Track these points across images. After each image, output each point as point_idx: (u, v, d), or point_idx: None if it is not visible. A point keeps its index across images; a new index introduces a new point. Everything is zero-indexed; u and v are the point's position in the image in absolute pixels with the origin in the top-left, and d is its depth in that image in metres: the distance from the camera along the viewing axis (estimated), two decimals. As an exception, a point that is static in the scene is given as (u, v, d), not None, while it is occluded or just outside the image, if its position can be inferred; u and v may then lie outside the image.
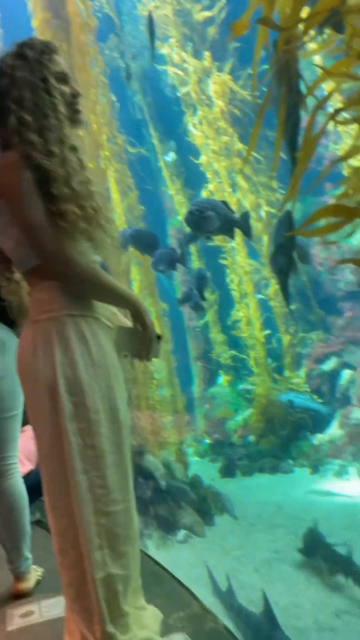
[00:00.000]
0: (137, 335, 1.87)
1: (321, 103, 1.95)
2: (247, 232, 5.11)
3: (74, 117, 1.88)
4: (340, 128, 8.08)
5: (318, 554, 4.84)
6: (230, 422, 9.45)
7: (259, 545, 5.54)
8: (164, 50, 10.10)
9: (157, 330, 1.95)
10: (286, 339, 9.22)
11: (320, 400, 8.58)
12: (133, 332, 1.87)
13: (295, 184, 2.46)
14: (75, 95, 1.88)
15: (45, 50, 1.85)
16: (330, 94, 1.93)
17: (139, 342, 1.88)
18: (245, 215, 5.12)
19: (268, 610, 3.75)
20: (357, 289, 8.82)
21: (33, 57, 1.81)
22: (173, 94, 10.48)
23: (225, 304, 9.87)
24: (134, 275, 7.99)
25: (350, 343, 8.81)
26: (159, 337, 1.92)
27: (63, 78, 1.86)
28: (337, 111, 1.70)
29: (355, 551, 5.09)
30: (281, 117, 2.40)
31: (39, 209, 1.69)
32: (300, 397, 8.49)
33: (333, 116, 1.77)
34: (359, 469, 7.41)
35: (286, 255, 4.00)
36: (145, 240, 6.08)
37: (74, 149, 1.80)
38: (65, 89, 1.86)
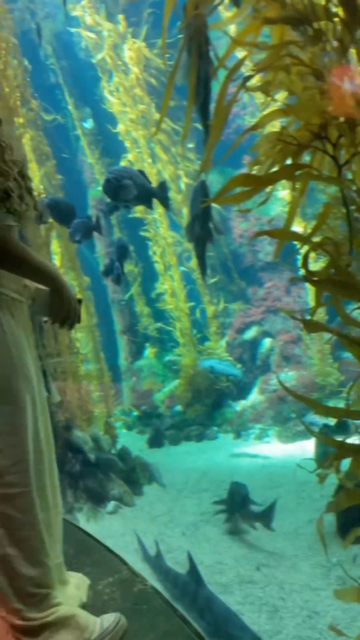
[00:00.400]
0: (57, 300, 1.82)
1: (231, 72, 1.95)
2: (164, 202, 5.07)
3: None
4: (257, 100, 8.18)
5: (238, 513, 5.08)
6: (157, 393, 9.57)
7: (186, 510, 5.72)
8: (76, 12, 9.64)
9: (77, 294, 1.92)
10: (210, 309, 9.38)
11: (240, 367, 8.86)
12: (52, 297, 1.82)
13: (208, 154, 2.45)
14: None
15: None
16: (239, 63, 1.92)
17: (59, 306, 1.83)
18: (163, 186, 5.06)
19: (194, 570, 3.91)
20: (275, 260, 9.12)
21: None
22: (87, 58, 10.08)
23: (149, 276, 9.86)
24: (55, 248, 7.75)
25: (269, 312, 9.15)
26: (79, 301, 1.89)
27: None
28: (246, 79, 1.71)
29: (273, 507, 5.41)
30: (191, 86, 2.38)
31: None
32: (222, 363, 8.70)
33: (242, 85, 1.77)
34: (277, 432, 7.81)
35: (202, 226, 4.04)
36: (63, 211, 5.87)
37: None
38: None
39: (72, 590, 2.19)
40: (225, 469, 6.71)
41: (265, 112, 1.68)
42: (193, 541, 4.96)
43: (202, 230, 4.06)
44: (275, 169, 1.65)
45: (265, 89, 1.59)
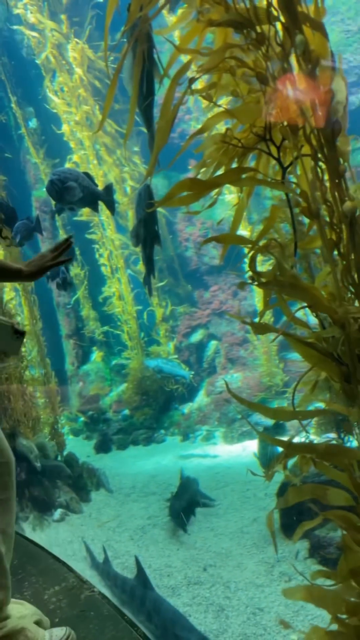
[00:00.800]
0: (2, 327, 1.78)
1: (176, 76, 1.95)
2: (110, 205, 4.99)
3: None
4: (202, 105, 8.27)
5: (182, 514, 5.09)
6: (105, 398, 9.45)
7: (134, 514, 5.67)
8: (18, 10, 9.42)
9: (20, 326, 1.88)
10: (158, 312, 9.37)
11: (187, 369, 8.91)
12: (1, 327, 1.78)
13: (154, 159, 2.46)
14: None
15: None
16: (185, 67, 1.93)
17: (1, 338, 1.80)
18: (109, 189, 4.99)
19: (141, 574, 3.88)
20: (220, 264, 9.26)
21: None
22: (30, 57, 9.86)
23: (96, 280, 9.74)
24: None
25: (215, 315, 9.26)
26: (22, 333, 1.85)
27: None
28: (191, 81, 1.72)
29: (218, 506, 5.47)
30: (135, 89, 2.37)
31: None
32: (169, 363, 8.70)
33: (188, 87, 1.78)
34: (223, 433, 7.91)
35: (148, 229, 4.02)
36: (5, 213, 5.71)
37: None
38: None
39: (28, 608, 2.12)
40: (172, 471, 6.70)
41: (210, 115, 1.69)
42: (141, 545, 4.92)
43: (148, 233, 4.04)
44: (220, 171, 1.66)
45: (210, 91, 1.60)
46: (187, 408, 8.61)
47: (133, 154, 9.45)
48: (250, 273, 1.73)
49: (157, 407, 8.81)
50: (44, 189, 10.10)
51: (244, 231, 7.23)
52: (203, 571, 4.30)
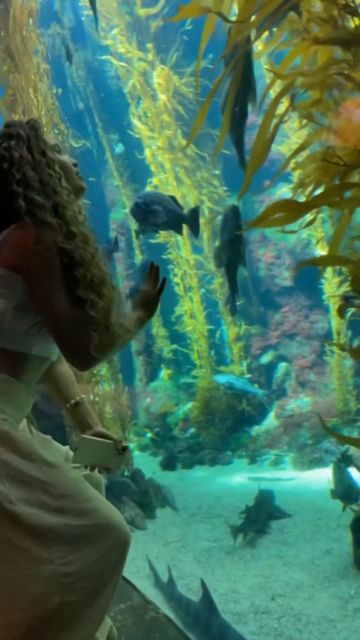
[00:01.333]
0: (102, 447, 1.87)
1: (278, 97, 1.97)
2: (195, 228, 4.96)
3: (77, 186, 1.82)
4: (285, 126, 8.28)
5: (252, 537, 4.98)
6: (171, 415, 9.49)
7: (199, 535, 5.60)
8: (107, 41, 9.93)
9: (123, 441, 1.98)
10: (232, 332, 9.31)
11: (257, 386, 8.72)
12: (97, 446, 1.87)
13: (248, 179, 2.48)
14: (74, 164, 1.83)
15: (35, 125, 1.77)
16: (286, 89, 1.94)
17: (104, 454, 1.89)
18: (195, 212, 4.99)
19: (207, 597, 3.80)
20: (292, 284, 9.11)
21: (26, 134, 1.72)
22: (117, 85, 10.32)
23: (168, 299, 9.88)
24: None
25: (285, 337, 9.08)
26: (124, 449, 1.93)
27: (57, 149, 1.79)
28: (293, 98, 1.73)
29: (287, 534, 5.28)
30: (227, 113, 2.41)
31: (63, 297, 1.59)
32: (240, 380, 8.55)
33: (290, 103, 1.79)
34: (293, 459, 7.66)
35: (233, 250, 4.03)
36: None
37: (84, 224, 1.71)
38: (62, 159, 1.79)
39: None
40: (239, 494, 6.57)
41: (306, 134, 1.68)
42: (207, 568, 4.84)
43: (233, 254, 4.03)
44: (319, 190, 1.65)
45: (311, 108, 1.60)
46: (255, 430, 8.46)
47: (212, 177, 9.57)
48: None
49: (224, 428, 8.71)
50: (123, 211, 10.51)
51: (321, 251, 7.09)
52: (271, 600, 4.15)
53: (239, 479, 7.35)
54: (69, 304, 1.58)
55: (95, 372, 6.67)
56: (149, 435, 9.37)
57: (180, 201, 9.09)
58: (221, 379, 8.55)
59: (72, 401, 1.97)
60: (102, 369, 7.41)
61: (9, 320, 1.61)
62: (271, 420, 8.46)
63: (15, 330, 1.62)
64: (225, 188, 9.44)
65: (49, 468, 1.62)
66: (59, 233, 1.59)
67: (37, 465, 1.60)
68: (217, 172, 9.60)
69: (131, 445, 7.95)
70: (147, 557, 4.94)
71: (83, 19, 10.63)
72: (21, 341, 1.64)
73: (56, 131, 7.70)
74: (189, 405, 9.37)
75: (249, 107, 2.59)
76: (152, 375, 10.25)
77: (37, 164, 1.67)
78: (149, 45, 9.60)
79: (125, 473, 6.71)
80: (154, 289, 1.91)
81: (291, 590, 4.26)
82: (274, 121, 1.97)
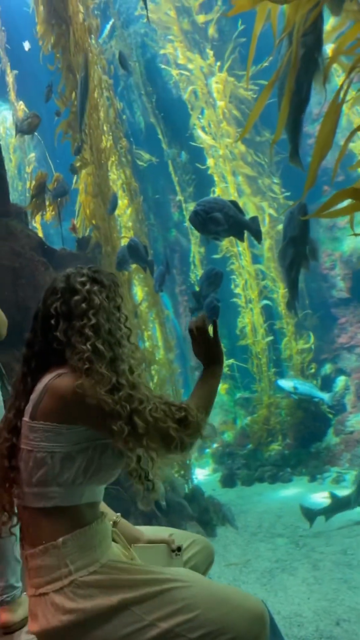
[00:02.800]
0: (155, 554, 1.97)
1: (345, 89, 1.98)
2: (257, 234, 4.91)
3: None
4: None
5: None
6: (229, 431, 9.53)
7: (261, 555, 5.63)
8: (166, 50, 10.08)
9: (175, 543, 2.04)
10: (293, 345, 9.24)
11: (324, 391, 8.48)
12: (151, 553, 1.97)
13: (314, 170, 2.50)
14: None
15: (116, 280, 1.86)
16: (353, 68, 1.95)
17: (160, 559, 1.97)
18: (255, 220, 4.98)
19: (270, 620, 3.83)
20: (348, 296, 8.96)
21: (109, 284, 1.81)
22: (178, 95, 10.39)
23: (224, 311, 9.89)
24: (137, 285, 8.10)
25: (343, 349, 8.94)
26: (179, 549, 2.00)
27: (121, 308, 1.85)
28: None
29: (351, 557, 5.21)
30: (287, 94, 2.44)
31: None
32: (305, 384, 8.33)
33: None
34: (355, 476, 7.50)
35: (297, 250, 3.93)
36: (141, 255, 6.20)
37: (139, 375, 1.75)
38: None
39: None
40: (300, 513, 6.52)
41: None
42: (269, 589, 4.86)
43: (297, 254, 3.91)
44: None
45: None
46: (314, 447, 8.35)
47: (273, 184, 9.57)
48: None
49: (283, 444, 8.67)
50: (173, 230, 10.70)
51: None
52: (336, 625, 4.13)
53: (299, 498, 7.28)
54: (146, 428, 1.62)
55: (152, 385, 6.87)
56: (208, 451, 9.46)
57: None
58: (285, 383, 8.41)
59: (111, 522, 1.96)
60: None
61: (57, 474, 1.64)
62: (331, 437, 8.33)
63: (64, 483, 1.65)
64: (286, 193, 9.41)
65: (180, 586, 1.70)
66: (106, 384, 1.63)
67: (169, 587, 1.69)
68: (276, 180, 9.60)
69: (192, 462, 8.03)
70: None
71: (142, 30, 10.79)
72: (71, 494, 1.66)
73: (120, 147, 7.97)
74: (247, 420, 9.38)
75: (313, 90, 2.61)
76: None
77: (111, 314, 1.76)
78: (209, 51, 9.65)
79: (186, 489, 6.83)
80: (214, 342, 1.93)
81: (356, 616, 4.21)
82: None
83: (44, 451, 1.65)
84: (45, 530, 1.67)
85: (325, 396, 8.21)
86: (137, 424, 1.61)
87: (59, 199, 7.51)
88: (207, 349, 1.95)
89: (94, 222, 7.30)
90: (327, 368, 9.05)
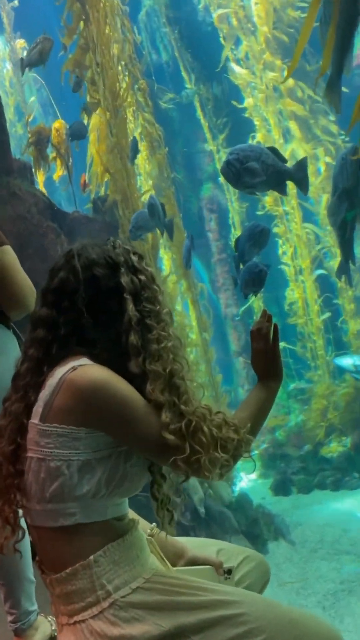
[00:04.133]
0: (200, 576, 1.98)
1: None
2: (303, 184, 4.80)
3: None
4: None
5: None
6: (282, 429, 9.52)
7: (322, 575, 5.65)
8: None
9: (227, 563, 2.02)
10: (352, 323, 9.09)
11: None
12: (196, 576, 1.99)
13: None
14: None
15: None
16: None
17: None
18: (301, 164, 4.82)
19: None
20: None
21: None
22: (208, 21, 10.21)
23: (273, 283, 9.77)
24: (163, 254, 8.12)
25: None
26: (229, 572, 1.99)
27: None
28: None
29: None
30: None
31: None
32: None
33: None
34: None
35: (351, 203, 3.88)
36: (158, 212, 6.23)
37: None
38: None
39: None
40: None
41: None
42: (334, 615, 4.89)
43: (351, 208, 3.85)
44: None
45: None
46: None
47: (329, 123, 9.31)
48: None
49: (349, 443, 8.59)
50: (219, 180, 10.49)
51: None
52: None
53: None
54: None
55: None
56: (256, 453, 9.49)
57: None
58: (344, 361, 8.35)
59: (146, 536, 1.95)
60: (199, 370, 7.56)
61: (75, 487, 1.66)
62: None
63: (83, 497, 1.67)
64: (343, 137, 9.09)
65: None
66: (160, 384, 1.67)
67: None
68: (332, 118, 9.34)
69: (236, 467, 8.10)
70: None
71: None
72: (93, 510, 1.69)
73: (137, 89, 7.90)
74: (302, 415, 9.34)
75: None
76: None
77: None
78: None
79: (229, 499, 6.87)
80: (267, 344, 1.95)
81: None
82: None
83: (58, 459, 1.66)
84: (69, 551, 1.68)
85: None
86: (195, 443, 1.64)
87: (67, 152, 7.57)
88: (267, 359, 1.97)
89: (108, 176, 7.29)
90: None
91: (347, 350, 9.11)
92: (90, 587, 1.65)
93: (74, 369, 1.68)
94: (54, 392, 1.68)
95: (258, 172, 4.46)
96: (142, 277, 1.80)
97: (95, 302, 1.76)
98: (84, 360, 1.70)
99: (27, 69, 7.74)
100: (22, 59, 7.77)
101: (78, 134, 7.28)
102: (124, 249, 1.84)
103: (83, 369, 1.68)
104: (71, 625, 1.66)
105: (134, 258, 1.83)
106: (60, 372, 1.69)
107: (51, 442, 1.66)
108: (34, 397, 1.74)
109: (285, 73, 9.18)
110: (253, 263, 5.24)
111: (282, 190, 5.04)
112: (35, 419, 1.71)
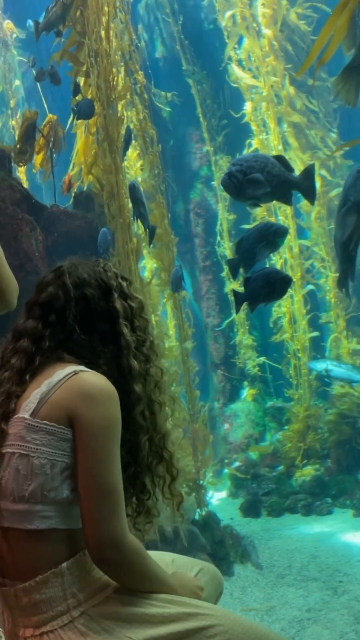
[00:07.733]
0: None
1: None
2: (310, 193, 4.74)
3: None
4: None
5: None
6: (255, 447, 9.56)
7: (288, 602, 5.70)
8: None
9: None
10: (344, 344, 9.22)
11: None
12: None
13: None
14: None
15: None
16: None
17: None
18: (308, 173, 4.74)
19: None
20: None
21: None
22: (211, 18, 10.36)
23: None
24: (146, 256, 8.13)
25: None
26: None
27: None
28: None
29: None
30: None
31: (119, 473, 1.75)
32: (341, 365, 8.30)
33: None
34: None
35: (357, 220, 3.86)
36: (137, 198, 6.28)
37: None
38: None
39: None
40: (341, 554, 6.59)
41: None
42: (297, 643, 4.95)
43: (357, 223, 3.83)
44: None
45: None
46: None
47: (328, 136, 9.49)
48: None
49: (323, 468, 8.69)
50: (212, 183, 10.55)
51: None
52: None
53: (341, 535, 7.34)
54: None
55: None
56: (227, 471, 9.54)
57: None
58: (317, 365, 8.43)
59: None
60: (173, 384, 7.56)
61: (55, 489, 1.70)
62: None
63: (60, 502, 1.71)
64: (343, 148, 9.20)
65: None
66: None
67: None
68: (334, 129, 9.48)
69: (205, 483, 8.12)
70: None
71: None
72: (69, 516, 1.74)
73: (133, 81, 7.92)
74: (279, 435, 9.41)
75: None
76: (232, 395, 10.34)
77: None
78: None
79: (196, 517, 6.89)
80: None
81: None
82: None
83: (44, 457, 1.70)
84: (41, 556, 1.71)
85: None
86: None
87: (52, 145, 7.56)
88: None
89: (93, 173, 7.28)
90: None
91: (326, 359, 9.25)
92: (61, 596, 1.69)
93: (81, 370, 1.79)
94: (54, 388, 1.76)
95: (262, 184, 4.42)
96: (133, 305, 1.96)
97: (87, 320, 1.88)
98: (85, 369, 1.81)
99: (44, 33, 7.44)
100: (36, 22, 7.41)
101: (86, 112, 7.15)
102: (114, 272, 1.97)
103: (95, 374, 1.80)
104: (37, 637, 1.69)
105: (124, 284, 1.97)
106: (62, 372, 1.79)
107: (39, 439, 1.71)
108: (14, 404, 1.79)
109: (287, 79, 9.37)
110: (271, 269, 5.03)
111: (288, 201, 4.97)
112: (24, 414, 1.76)
